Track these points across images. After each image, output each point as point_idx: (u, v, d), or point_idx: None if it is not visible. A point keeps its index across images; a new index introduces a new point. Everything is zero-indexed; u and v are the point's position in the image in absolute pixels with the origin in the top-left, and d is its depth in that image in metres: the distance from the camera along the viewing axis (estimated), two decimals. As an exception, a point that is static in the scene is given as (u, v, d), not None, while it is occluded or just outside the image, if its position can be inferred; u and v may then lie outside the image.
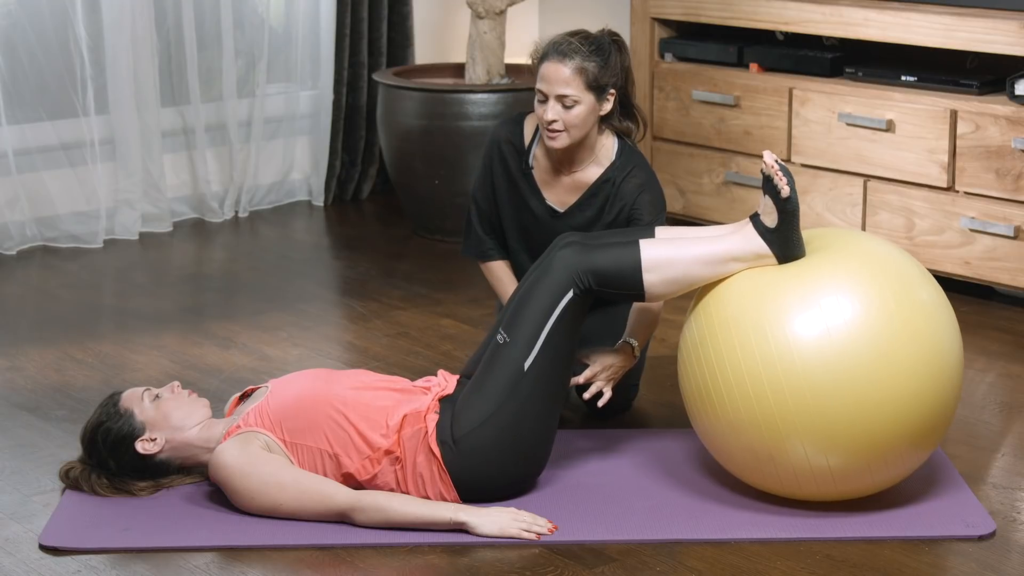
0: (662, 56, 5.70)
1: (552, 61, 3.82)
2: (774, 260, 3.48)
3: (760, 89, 5.38)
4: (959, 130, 4.89)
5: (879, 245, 3.51)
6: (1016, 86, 4.78)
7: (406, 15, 6.41)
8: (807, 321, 3.34)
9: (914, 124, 4.99)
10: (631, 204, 3.93)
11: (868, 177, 5.14)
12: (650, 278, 3.50)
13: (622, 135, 3.99)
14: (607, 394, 3.77)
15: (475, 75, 5.91)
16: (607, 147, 3.97)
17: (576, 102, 3.82)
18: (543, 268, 3.56)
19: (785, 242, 3.47)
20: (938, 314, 3.42)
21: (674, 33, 5.74)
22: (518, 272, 4.13)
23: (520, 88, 5.72)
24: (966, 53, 5.06)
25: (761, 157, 5.39)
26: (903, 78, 5.07)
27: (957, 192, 4.93)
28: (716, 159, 5.53)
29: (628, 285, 3.52)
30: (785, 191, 3.44)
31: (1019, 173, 4.77)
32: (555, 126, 3.83)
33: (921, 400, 3.36)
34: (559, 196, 4.01)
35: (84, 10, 5.71)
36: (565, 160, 3.96)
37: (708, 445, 3.57)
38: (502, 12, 5.88)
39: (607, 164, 3.97)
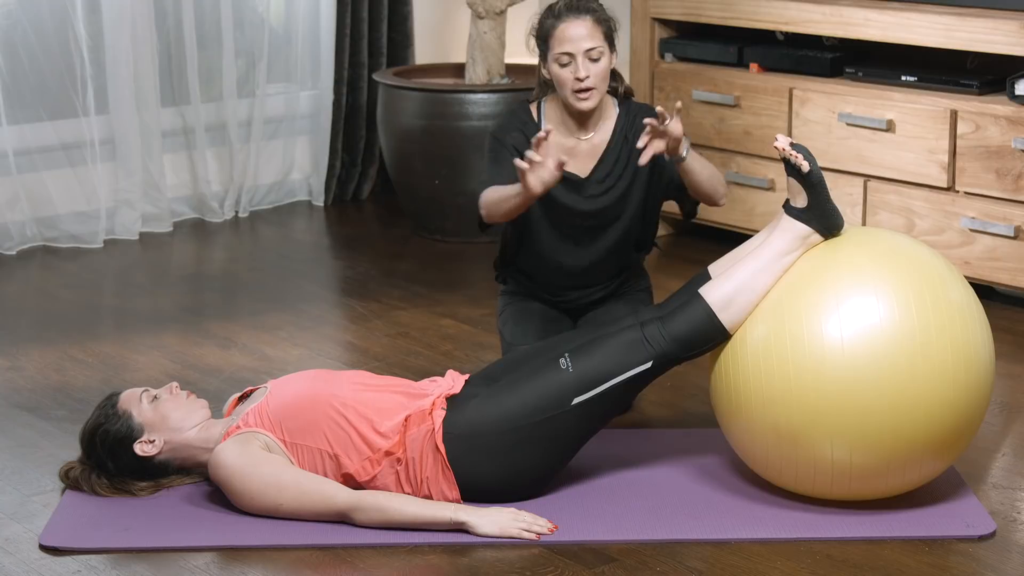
0: (662, 56, 5.70)
1: (570, 20, 3.88)
2: (819, 236, 3.52)
3: (760, 89, 5.38)
4: (959, 130, 4.89)
5: (910, 244, 3.54)
6: (1016, 86, 4.78)
7: (406, 15, 6.41)
8: (847, 316, 3.36)
9: (914, 124, 4.99)
10: None
11: (868, 177, 5.14)
12: (726, 316, 3.51)
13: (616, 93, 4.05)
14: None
15: (475, 75, 5.91)
16: (608, 105, 4.02)
17: (601, 54, 3.90)
18: (621, 335, 3.55)
19: (822, 215, 3.51)
20: (971, 314, 3.44)
21: (674, 33, 5.74)
22: (541, 262, 4.10)
23: (520, 88, 5.72)
24: (966, 53, 5.05)
25: (761, 157, 5.41)
26: (903, 78, 5.07)
27: (957, 192, 4.93)
28: (716, 159, 5.53)
29: (711, 335, 3.53)
30: (804, 166, 3.48)
31: (1019, 173, 4.77)
32: (588, 83, 3.88)
33: (954, 400, 3.38)
34: (579, 164, 4.02)
35: (84, 10, 5.71)
36: (580, 126, 3.99)
37: (728, 424, 3.56)
38: (502, 12, 5.88)
39: (614, 119, 4.02)
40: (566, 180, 4.00)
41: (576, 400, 3.51)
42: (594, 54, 3.88)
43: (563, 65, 3.90)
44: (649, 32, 5.70)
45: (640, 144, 3.73)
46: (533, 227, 4.06)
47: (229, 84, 6.07)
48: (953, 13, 4.91)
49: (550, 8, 3.96)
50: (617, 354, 3.53)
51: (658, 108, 3.71)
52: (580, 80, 3.88)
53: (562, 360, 3.54)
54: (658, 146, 3.72)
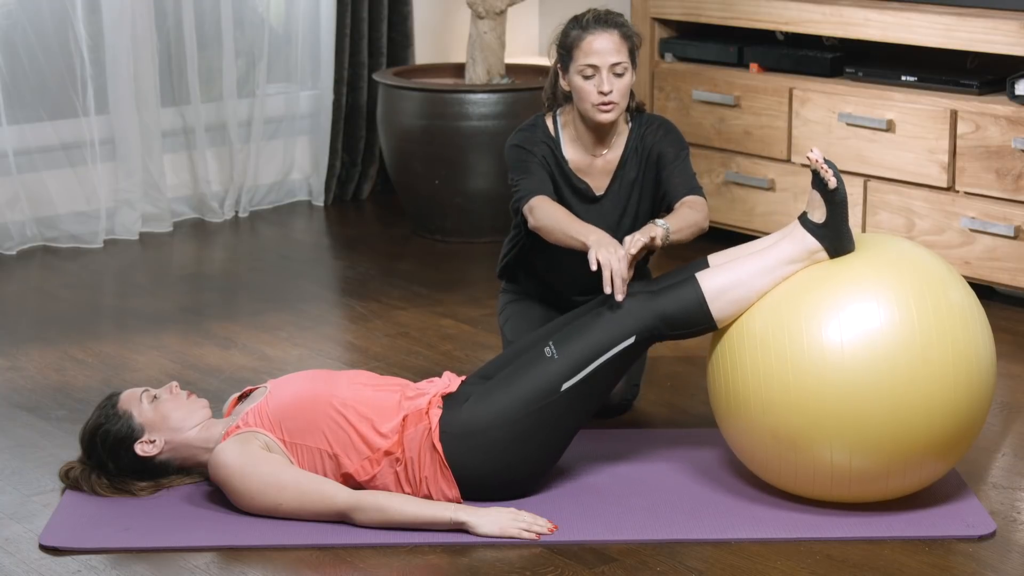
0: (662, 56, 5.70)
1: (598, 32, 3.87)
2: (826, 255, 3.51)
3: (760, 89, 5.38)
4: (959, 130, 4.89)
5: (910, 247, 3.53)
6: (1016, 86, 4.78)
7: (406, 15, 6.41)
8: (847, 321, 3.36)
9: (914, 124, 4.99)
10: (657, 151, 3.98)
11: (868, 177, 5.14)
12: (716, 307, 3.51)
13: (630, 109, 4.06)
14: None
15: (475, 75, 5.91)
16: (620, 120, 4.02)
17: (625, 70, 3.89)
18: (605, 312, 3.56)
19: (836, 235, 3.50)
20: (971, 317, 3.43)
21: (674, 33, 5.74)
22: (558, 266, 4.10)
23: (520, 88, 5.72)
24: (966, 53, 5.06)
25: (761, 157, 5.41)
26: (903, 78, 5.07)
27: (957, 192, 4.93)
28: (716, 159, 5.53)
29: (697, 320, 3.54)
30: (832, 183, 3.48)
31: (1019, 173, 4.77)
32: (612, 97, 3.87)
33: (955, 404, 3.37)
34: (595, 181, 4.03)
35: (84, 10, 5.71)
36: (597, 142, 3.99)
37: (727, 428, 3.55)
38: (502, 12, 5.88)
39: (626, 135, 4.02)
40: (584, 196, 4.01)
41: (565, 386, 3.51)
42: (619, 69, 3.87)
43: (587, 77, 3.88)
44: (649, 32, 5.70)
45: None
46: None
47: (229, 84, 6.07)
48: (953, 13, 4.91)
49: (576, 19, 3.94)
50: (600, 332, 3.53)
51: (631, 253, 3.62)
52: (604, 94, 3.87)
53: (547, 349, 3.55)
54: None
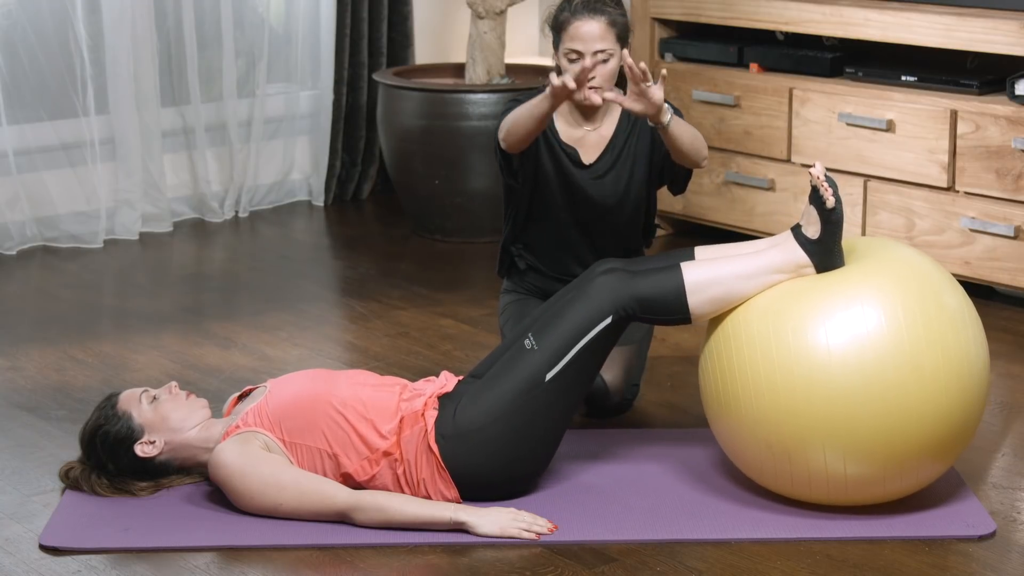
0: (662, 56, 5.70)
1: (585, 19, 3.90)
2: (813, 270, 3.50)
3: (760, 89, 5.38)
4: (959, 130, 4.89)
5: (904, 251, 3.52)
6: (1016, 86, 4.78)
7: (406, 15, 6.41)
8: (836, 326, 3.34)
9: (914, 124, 4.99)
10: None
11: (868, 177, 5.14)
12: (694, 300, 3.51)
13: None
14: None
15: (475, 75, 5.91)
16: None
17: (611, 55, 3.91)
18: (581, 291, 3.56)
19: (827, 253, 3.49)
20: (964, 321, 3.42)
21: (674, 33, 5.74)
22: (554, 236, 4.11)
23: (520, 88, 5.72)
24: (966, 53, 5.05)
25: (761, 157, 5.41)
26: (903, 78, 5.07)
27: (957, 192, 4.93)
28: (716, 159, 5.53)
29: (673, 309, 3.53)
30: (830, 202, 3.46)
31: (1019, 173, 4.77)
32: (594, 82, 3.90)
33: (947, 408, 3.36)
34: (587, 154, 4.05)
35: (84, 10, 5.71)
36: (587, 118, 4.04)
37: (721, 436, 3.55)
38: (502, 12, 5.88)
39: (619, 111, 4.05)
40: (575, 163, 4.04)
41: (549, 375, 3.51)
42: (603, 55, 3.90)
43: (572, 61, 3.92)
44: (649, 32, 5.70)
45: (611, 96, 3.71)
46: (547, 205, 4.08)
47: (229, 84, 6.07)
48: (953, 13, 4.91)
49: (568, 0, 3.97)
50: (577, 315, 3.53)
51: (642, 64, 3.68)
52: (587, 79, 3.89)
53: (526, 341, 3.55)
54: (636, 107, 3.71)
